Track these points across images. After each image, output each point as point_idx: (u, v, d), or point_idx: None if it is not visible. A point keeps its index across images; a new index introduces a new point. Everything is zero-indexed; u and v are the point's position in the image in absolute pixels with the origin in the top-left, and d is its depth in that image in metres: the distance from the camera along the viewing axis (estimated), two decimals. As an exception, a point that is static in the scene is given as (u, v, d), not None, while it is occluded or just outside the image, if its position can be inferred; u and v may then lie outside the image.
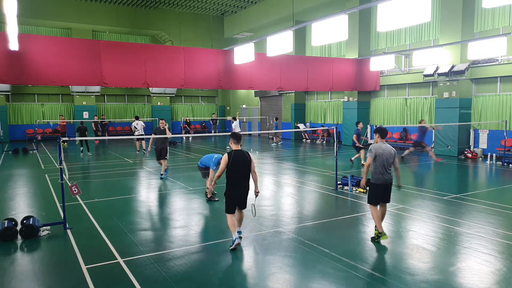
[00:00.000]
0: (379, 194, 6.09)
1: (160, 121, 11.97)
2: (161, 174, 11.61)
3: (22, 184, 11.08)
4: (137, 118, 19.04)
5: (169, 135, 11.69)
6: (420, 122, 14.36)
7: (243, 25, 27.29)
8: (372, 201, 6.16)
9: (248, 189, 5.86)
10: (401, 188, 6.35)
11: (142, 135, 18.17)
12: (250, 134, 29.37)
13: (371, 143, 21.42)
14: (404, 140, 19.08)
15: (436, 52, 16.42)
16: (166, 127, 11.81)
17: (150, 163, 13.53)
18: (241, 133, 7.41)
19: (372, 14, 20.29)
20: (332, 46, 22.95)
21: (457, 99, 16.15)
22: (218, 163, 8.06)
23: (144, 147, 18.44)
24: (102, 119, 26.83)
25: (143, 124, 18.59)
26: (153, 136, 11.86)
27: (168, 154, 11.80)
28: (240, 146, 5.81)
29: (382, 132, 6.27)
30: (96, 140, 22.59)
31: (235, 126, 21.07)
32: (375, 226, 6.09)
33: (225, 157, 5.67)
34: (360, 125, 14.39)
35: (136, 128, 18.16)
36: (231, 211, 5.78)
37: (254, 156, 5.55)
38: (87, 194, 9.27)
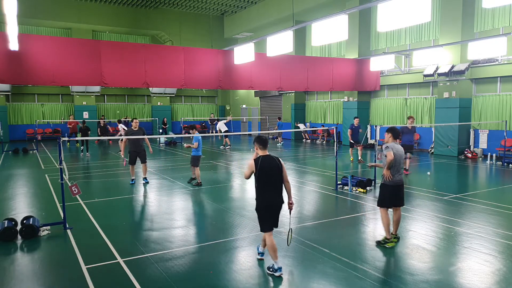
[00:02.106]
0: (390, 197, 5.87)
1: (134, 121, 10.67)
2: (144, 177, 10.96)
3: (22, 184, 11.08)
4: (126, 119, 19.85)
5: (146, 141, 10.75)
6: (409, 118, 12.64)
7: (243, 25, 27.29)
8: (383, 203, 5.93)
9: (282, 202, 4.97)
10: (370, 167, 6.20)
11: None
12: (250, 134, 29.37)
13: (371, 143, 21.42)
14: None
15: (436, 52, 16.42)
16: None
17: (149, 163, 13.51)
18: (237, 133, 7.57)
19: (372, 14, 20.29)
20: (332, 46, 22.95)
21: (457, 99, 16.14)
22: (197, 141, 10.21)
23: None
24: (102, 119, 26.82)
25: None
26: (124, 137, 10.59)
27: (146, 158, 10.89)
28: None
29: (394, 132, 6.02)
30: (96, 140, 22.64)
31: (220, 126, 21.22)
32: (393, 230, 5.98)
33: (251, 164, 4.86)
34: (356, 121, 14.91)
35: (125, 129, 18.84)
36: (268, 228, 4.92)
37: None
38: (87, 194, 9.27)
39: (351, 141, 14.73)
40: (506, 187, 10.36)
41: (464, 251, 5.67)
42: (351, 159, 14.91)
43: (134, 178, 11.00)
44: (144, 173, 11.00)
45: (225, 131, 20.98)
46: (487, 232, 6.44)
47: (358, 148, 14.82)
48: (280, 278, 4.82)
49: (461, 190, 10.30)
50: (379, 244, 5.88)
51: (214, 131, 29.07)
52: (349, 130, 14.87)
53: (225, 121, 21.90)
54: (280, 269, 4.87)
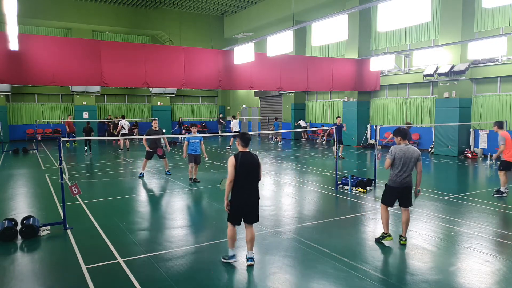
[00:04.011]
0: (393, 197, 5.95)
1: (153, 121, 11.95)
2: (167, 171, 12.23)
3: (22, 184, 11.08)
4: (123, 117, 20.48)
5: (164, 140, 12.16)
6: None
7: (243, 25, 27.29)
8: (384, 201, 6.05)
9: (258, 198, 5.19)
10: (418, 196, 6.13)
11: (126, 134, 19.48)
12: (250, 134, 29.33)
13: (371, 143, 21.43)
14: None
15: (436, 52, 16.42)
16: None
17: (150, 163, 13.53)
18: (236, 133, 7.66)
19: (372, 14, 20.29)
20: (332, 46, 22.95)
21: (457, 99, 16.15)
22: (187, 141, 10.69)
23: (127, 146, 19.95)
24: (108, 119, 26.82)
25: (128, 124, 20.31)
26: (145, 137, 11.83)
27: (164, 154, 12.02)
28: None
29: (402, 133, 5.92)
30: (113, 141, 22.98)
31: (233, 125, 21.21)
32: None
33: (231, 160, 5.01)
34: (338, 120, 15.73)
35: (123, 128, 19.64)
36: (235, 221, 5.14)
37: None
38: (87, 194, 9.27)
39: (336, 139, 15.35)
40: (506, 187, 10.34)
41: (464, 251, 5.67)
42: (338, 156, 15.38)
43: (143, 172, 11.91)
44: (166, 167, 12.26)
45: (236, 131, 20.88)
46: (487, 232, 6.44)
47: (340, 146, 15.69)
48: (280, 278, 4.83)
49: (461, 190, 10.30)
50: (377, 240, 6.01)
51: (222, 131, 29.14)
52: (331, 129, 15.41)
53: (237, 120, 21.86)
54: (233, 256, 5.22)
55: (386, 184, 6.06)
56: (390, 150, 5.91)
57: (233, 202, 5.11)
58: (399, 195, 5.89)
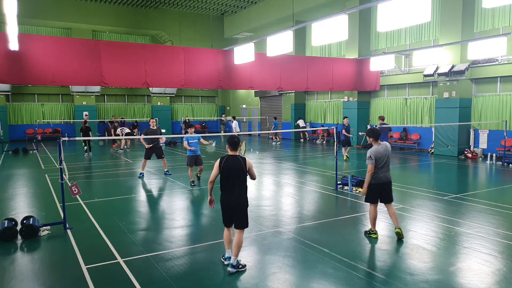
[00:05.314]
0: (375, 194, 6.18)
1: (151, 120, 12.02)
2: (166, 171, 12.16)
3: (22, 184, 11.08)
4: (121, 124, 21.05)
5: (162, 139, 12.15)
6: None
7: (243, 25, 27.29)
8: (369, 200, 6.27)
9: (244, 201, 5.12)
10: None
11: (130, 133, 19.99)
12: (250, 134, 29.38)
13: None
14: (404, 140, 19.09)
15: (436, 52, 16.42)
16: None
17: (149, 163, 13.55)
18: (240, 133, 7.60)
19: (372, 14, 20.29)
20: (332, 46, 22.95)
21: (457, 99, 16.14)
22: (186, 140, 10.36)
23: (128, 146, 20.34)
24: (112, 119, 26.80)
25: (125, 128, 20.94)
26: (143, 136, 11.89)
27: (163, 154, 12.09)
28: (238, 152, 5.29)
29: (375, 134, 6.26)
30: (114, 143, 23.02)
31: (236, 126, 21.21)
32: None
33: (216, 162, 5.15)
34: (346, 121, 15.75)
35: (125, 128, 20.20)
36: (225, 223, 5.24)
37: (254, 156, 5.23)
38: (87, 194, 9.28)
39: (347, 135, 15.41)
40: (506, 187, 10.35)
41: (464, 251, 5.67)
42: (345, 158, 15.40)
43: (143, 172, 11.86)
44: (165, 167, 12.18)
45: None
46: (487, 232, 6.44)
47: (344, 146, 15.67)
48: (280, 278, 4.83)
49: (461, 190, 10.29)
50: (365, 234, 6.33)
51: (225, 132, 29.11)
52: (343, 130, 15.37)
53: (237, 122, 21.88)
54: (229, 258, 5.16)
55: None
56: (368, 156, 6.10)
57: (220, 205, 5.22)
58: (380, 191, 6.14)
